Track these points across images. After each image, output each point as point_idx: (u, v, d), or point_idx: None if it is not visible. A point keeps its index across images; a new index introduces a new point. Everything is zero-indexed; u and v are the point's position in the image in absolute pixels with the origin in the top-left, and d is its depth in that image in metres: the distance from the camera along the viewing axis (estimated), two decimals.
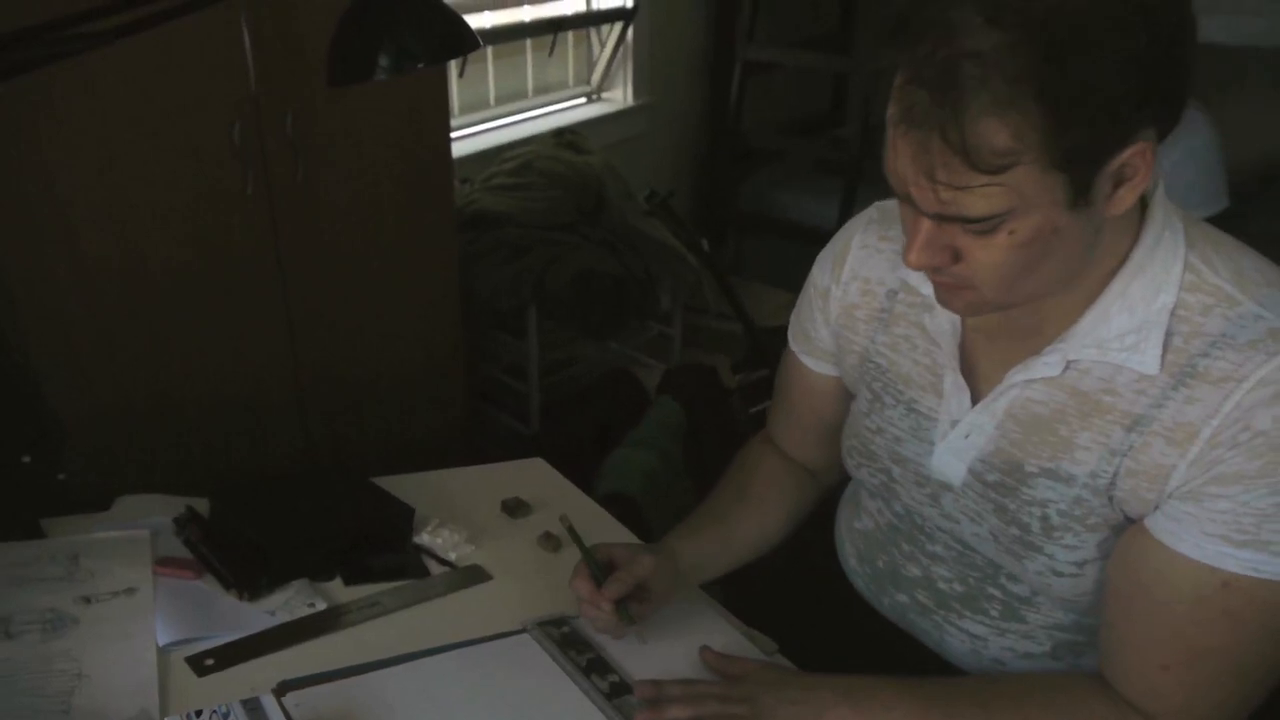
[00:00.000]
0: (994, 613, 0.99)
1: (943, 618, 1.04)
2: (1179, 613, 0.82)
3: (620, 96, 3.20)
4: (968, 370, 0.95)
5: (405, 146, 1.79)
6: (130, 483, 1.26)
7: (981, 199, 0.74)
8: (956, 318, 0.95)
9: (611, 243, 2.31)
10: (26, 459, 1.06)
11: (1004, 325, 0.93)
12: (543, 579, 1.17)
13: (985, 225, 0.76)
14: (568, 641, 1.05)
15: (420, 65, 1.14)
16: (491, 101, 2.85)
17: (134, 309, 1.55)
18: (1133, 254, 0.84)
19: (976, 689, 0.94)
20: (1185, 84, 0.75)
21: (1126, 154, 0.74)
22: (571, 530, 1.04)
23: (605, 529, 1.27)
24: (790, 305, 1.15)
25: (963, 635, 1.02)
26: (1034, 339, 0.89)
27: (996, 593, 0.99)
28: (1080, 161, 0.73)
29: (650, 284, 2.34)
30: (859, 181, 3.12)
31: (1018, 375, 0.90)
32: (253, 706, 0.82)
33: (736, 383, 2.58)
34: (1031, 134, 0.71)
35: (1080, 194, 0.75)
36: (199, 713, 0.82)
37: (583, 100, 3.17)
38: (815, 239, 1.16)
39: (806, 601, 1.18)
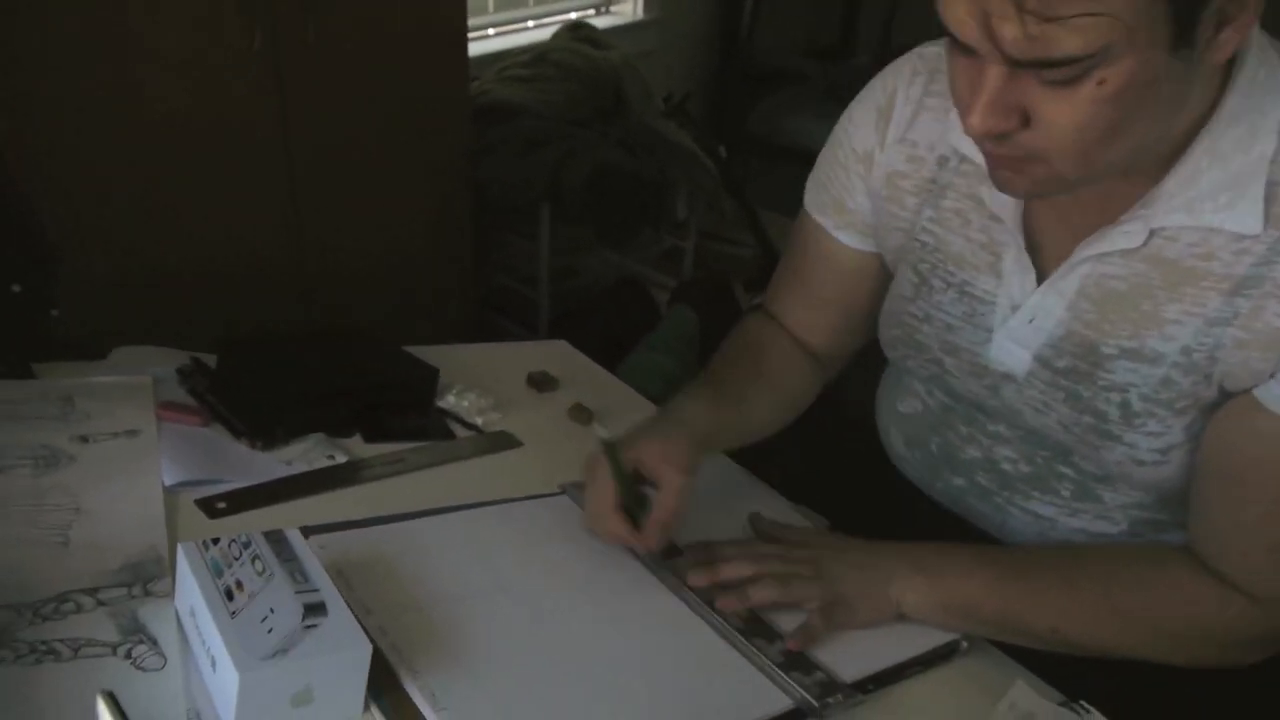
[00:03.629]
0: (1065, 493, 0.90)
1: (1005, 499, 0.94)
2: None
3: (630, 10, 3.08)
4: (1031, 247, 0.83)
5: (419, 13, 1.68)
6: (120, 343, 1.16)
7: (1075, 33, 0.61)
8: None
9: (629, 143, 2.20)
10: (17, 288, 0.95)
11: (1074, 194, 0.79)
12: (576, 448, 1.07)
13: (1073, 70, 0.63)
14: None
15: None
16: (490, 8, 2.73)
17: (132, 158, 1.45)
18: (1224, 101, 0.71)
19: (1059, 563, 0.86)
20: None
21: None
22: (611, 448, 0.86)
23: (632, 409, 1.17)
24: None
25: (1028, 517, 0.93)
26: (1109, 207, 0.77)
27: (1069, 471, 0.89)
28: None
29: (667, 188, 2.24)
30: None
31: (1090, 248, 0.78)
32: (276, 539, 0.73)
33: (750, 303, 2.50)
34: None
35: (1184, 32, 0.62)
36: (215, 540, 0.73)
37: (591, 11, 3.05)
38: None
39: (851, 488, 1.09)
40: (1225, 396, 0.77)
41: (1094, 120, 0.65)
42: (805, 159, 0.94)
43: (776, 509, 1.01)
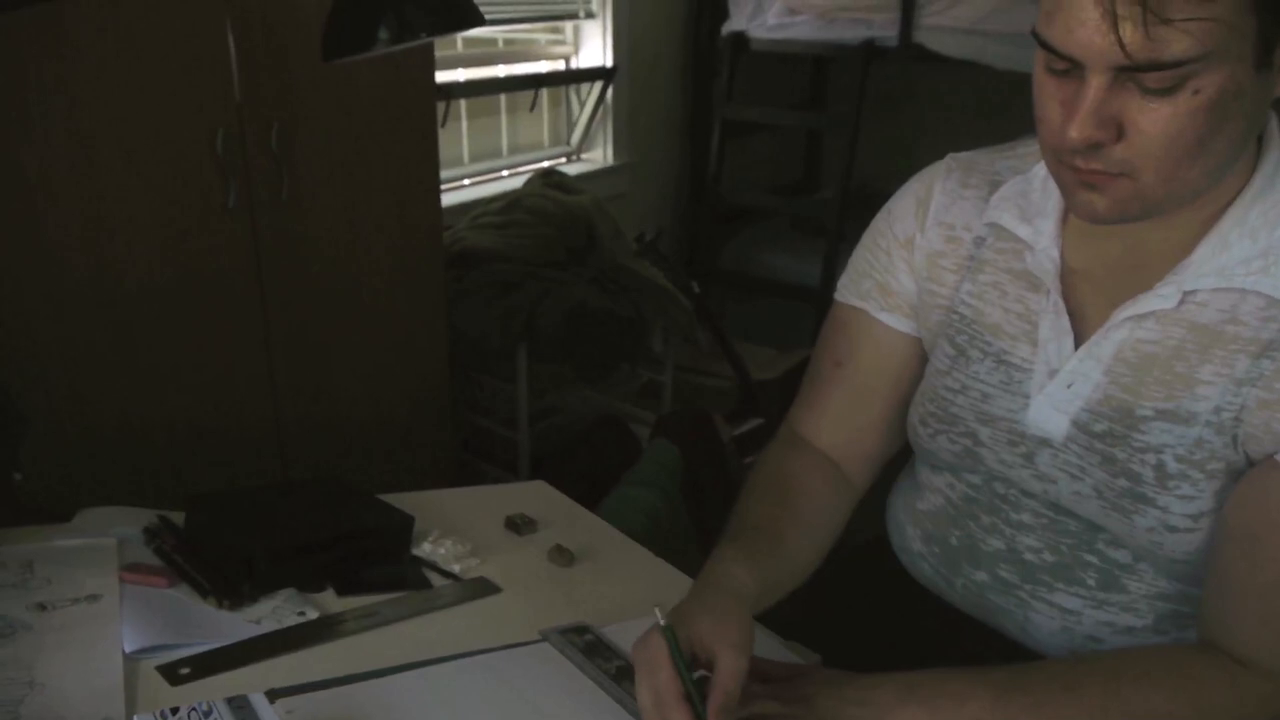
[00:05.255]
0: (1090, 582, 0.90)
1: (1029, 593, 0.94)
2: None
3: (600, 156, 3.18)
4: (1069, 315, 0.89)
5: (393, 169, 1.72)
6: (91, 502, 1.13)
7: (1186, 36, 0.68)
8: (1058, 256, 0.88)
9: (602, 282, 2.23)
10: None
11: (1109, 265, 0.87)
12: (557, 591, 1.06)
13: (1176, 75, 0.69)
14: (592, 650, 0.93)
15: (422, 36, 1.08)
16: (465, 160, 2.81)
17: (105, 319, 1.45)
18: (1252, 181, 0.81)
19: (1061, 670, 0.84)
20: None
21: None
22: (670, 633, 0.77)
23: (614, 548, 1.16)
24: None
25: (1052, 611, 0.93)
26: (1143, 277, 0.84)
27: (1094, 560, 0.90)
28: (1274, 9, 0.70)
29: (642, 325, 2.26)
30: (840, 242, 3.10)
31: (1127, 311, 0.84)
32: (240, 704, 0.70)
33: (731, 434, 2.48)
34: None
35: (1267, 51, 0.71)
36: (174, 710, 0.69)
37: (562, 160, 3.14)
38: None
39: (857, 605, 1.06)
40: (1250, 465, 0.79)
41: (1185, 131, 0.72)
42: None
43: (768, 646, 0.97)
